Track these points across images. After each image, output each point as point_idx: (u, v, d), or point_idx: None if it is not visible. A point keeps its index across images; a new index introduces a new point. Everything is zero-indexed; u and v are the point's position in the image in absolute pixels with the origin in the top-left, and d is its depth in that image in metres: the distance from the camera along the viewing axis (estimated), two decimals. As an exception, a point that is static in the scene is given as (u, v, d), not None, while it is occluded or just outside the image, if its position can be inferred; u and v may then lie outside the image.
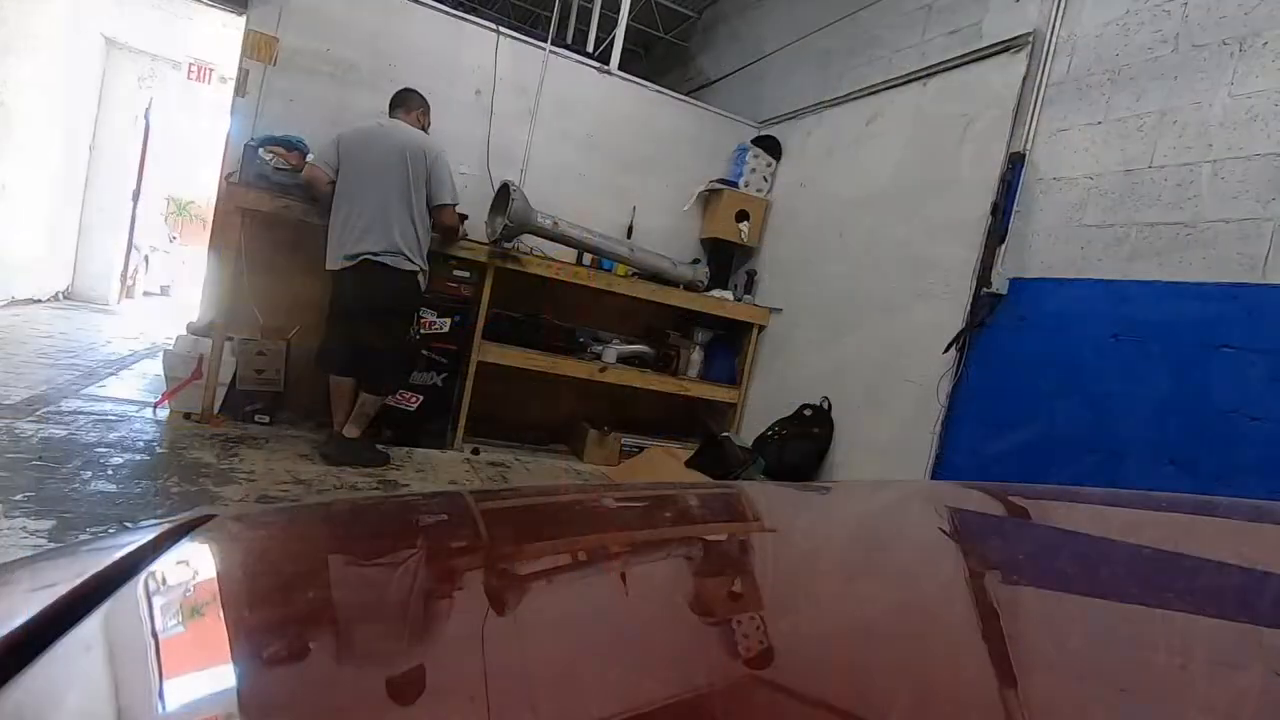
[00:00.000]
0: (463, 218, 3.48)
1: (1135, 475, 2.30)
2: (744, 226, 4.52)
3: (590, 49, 5.31)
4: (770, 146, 4.62)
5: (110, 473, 2.46)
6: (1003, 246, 2.87)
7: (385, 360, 3.15)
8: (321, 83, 3.75)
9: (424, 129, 3.23)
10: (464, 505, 0.74)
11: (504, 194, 3.62)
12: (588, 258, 4.22)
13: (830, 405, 3.70)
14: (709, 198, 4.69)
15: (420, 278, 3.17)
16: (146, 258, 8.62)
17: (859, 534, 0.72)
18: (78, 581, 0.39)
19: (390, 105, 3.22)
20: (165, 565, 0.45)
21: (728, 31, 5.88)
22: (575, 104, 4.37)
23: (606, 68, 4.47)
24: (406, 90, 3.25)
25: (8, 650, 0.31)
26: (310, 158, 3.18)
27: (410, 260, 3.04)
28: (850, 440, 3.57)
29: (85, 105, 6.47)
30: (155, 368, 4.07)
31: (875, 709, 0.33)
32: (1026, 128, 2.87)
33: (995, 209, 2.90)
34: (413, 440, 3.64)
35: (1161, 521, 0.80)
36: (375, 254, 2.97)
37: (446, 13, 4.01)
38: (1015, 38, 2.99)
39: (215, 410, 3.32)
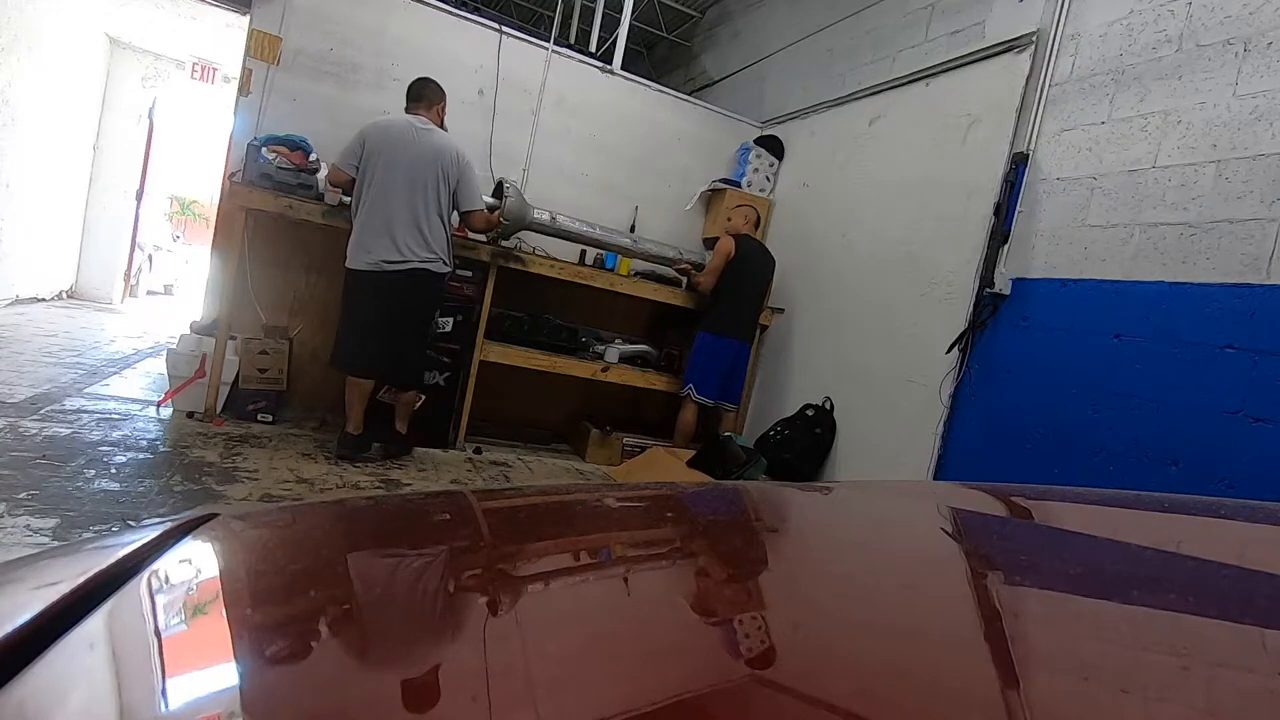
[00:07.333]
0: (493, 209, 3.49)
1: (1138, 476, 2.30)
2: (746, 226, 4.51)
3: (593, 49, 5.31)
4: (773, 146, 4.62)
5: (113, 471, 2.47)
6: (1005, 247, 2.86)
7: (414, 358, 3.31)
8: (324, 82, 3.76)
9: (442, 122, 3.19)
10: (466, 504, 0.74)
11: (499, 191, 3.62)
12: (590, 257, 4.23)
13: (832, 405, 3.70)
14: (711, 198, 4.69)
15: (446, 279, 3.29)
16: (150, 257, 8.63)
17: (861, 534, 0.72)
18: (81, 580, 0.39)
19: (409, 96, 3.13)
20: (168, 564, 0.45)
21: (730, 31, 5.87)
22: (578, 104, 4.37)
23: (609, 67, 4.47)
24: (424, 80, 3.16)
25: (11, 648, 0.31)
26: (331, 162, 3.12)
27: (445, 264, 3.16)
28: (852, 440, 3.57)
29: (89, 104, 6.48)
30: (158, 366, 4.09)
31: (877, 709, 0.33)
32: (1030, 128, 2.86)
33: (998, 209, 2.89)
34: (415, 439, 3.64)
35: (1164, 523, 0.79)
36: (420, 260, 3.03)
37: (449, 12, 4.02)
38: (1019, 37, 2.98)
39: (218, 409, 3.33)
